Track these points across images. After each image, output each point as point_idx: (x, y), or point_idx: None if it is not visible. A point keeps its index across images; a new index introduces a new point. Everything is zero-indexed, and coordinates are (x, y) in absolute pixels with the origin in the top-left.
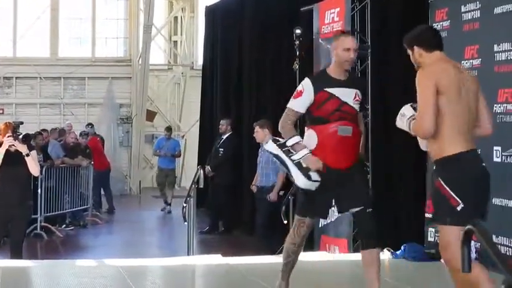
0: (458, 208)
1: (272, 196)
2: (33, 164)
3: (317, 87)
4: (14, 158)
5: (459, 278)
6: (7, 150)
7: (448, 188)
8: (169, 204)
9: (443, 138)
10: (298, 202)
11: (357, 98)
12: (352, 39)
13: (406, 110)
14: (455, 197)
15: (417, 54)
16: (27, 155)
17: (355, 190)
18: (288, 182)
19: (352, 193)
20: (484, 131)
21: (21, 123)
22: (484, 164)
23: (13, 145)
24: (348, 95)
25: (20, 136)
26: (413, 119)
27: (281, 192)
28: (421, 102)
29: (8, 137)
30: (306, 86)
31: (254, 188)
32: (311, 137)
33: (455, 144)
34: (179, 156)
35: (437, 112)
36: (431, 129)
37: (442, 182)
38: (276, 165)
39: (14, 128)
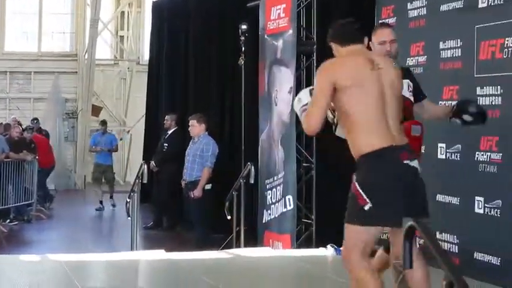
0: (366, 208)
1: (196, 192)
2: None
3: None
4: None
5: (353, 277)
6: None
7: (358, 187)
8: (111, 197)
9: (356, 136)
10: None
11: (410, 90)
12: (388, 31)
13: (304, 95)
14: (364, 196)
15: (334, 49)
16: None
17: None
18: (215, 176)
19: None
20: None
21: None
22: (405, 162)
23: None
24: (404, 88)
25: None
26: (305, 109)
27: (208, 186)
28: (312, 99)
29: None
30: None
31: (183, 183)
32: None
33: (368, 142)
34: (116, 150)
35: (326, 111)
36: (315, 129)
37: (354, 181)
38: (203, 159)
39: None
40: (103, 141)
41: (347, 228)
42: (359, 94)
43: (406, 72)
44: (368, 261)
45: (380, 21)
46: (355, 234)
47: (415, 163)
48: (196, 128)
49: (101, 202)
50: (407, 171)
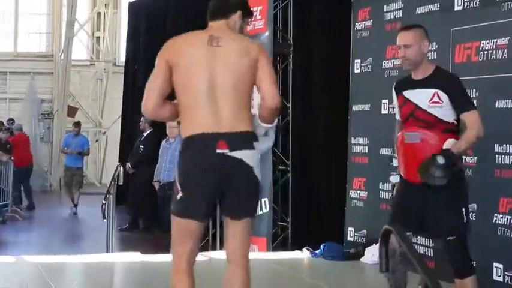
0: (178, 197)
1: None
2: None
3: (398, 90)
4: None
5: None
6: None
7: (177, 174)
8: (76, 206)
9: (181, 119)
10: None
11: (435, 100)
12: (403, 35)
13: None
14: (178, 185)
15: None
16: None
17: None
18: None
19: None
20: (264, 104)
21: None
22: (220, 151)
23: None
24: (423, 97)
25: None
26: None
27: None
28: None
29: None
30: (393, 90)
31: (157, 185)
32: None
33: (188, 126)
34: (87, 154)
35: (160, 91)
36: (150, 111)
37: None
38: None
39: None
40: (74, 143)
41: (171, 219)
42: (185, 73)
43: (444, 81)
44: (188, 262)
45: (405, 25)
46: (175, 225)
47: (238, 154)
48: (176, 129)
49: (74, 203)
50: (223, 162)
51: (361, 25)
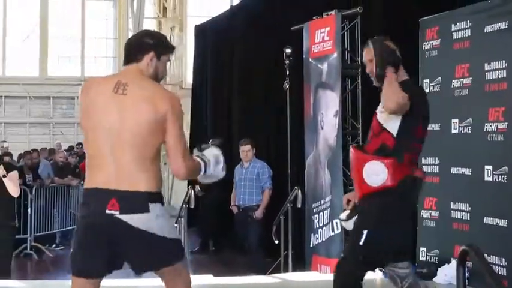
0: (70, 251)
1: (258, 213)
2: (10, 185)
3: None
4: None
5: None
6: None
7: None
8: None
9: (86, 168)
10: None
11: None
12: (365, 51)
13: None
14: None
15: None
16: (4, 176)
17: None
18: (275, 199)
19: None
20: (173, 173)
21: None
22: (109, 212)
23: None
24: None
25: None
26: None
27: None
28: None
29: None
30: None
31: (235, 209)
32: None
33: (88, 177)
34: None
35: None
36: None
37: None
38: (260, 183)
39: None
40: None
41: None
42: (89, 122)
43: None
44: None
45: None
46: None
47: (129, 218)
48: (250, 152)
49: None
50: (111, 225)
51: (429, 44)
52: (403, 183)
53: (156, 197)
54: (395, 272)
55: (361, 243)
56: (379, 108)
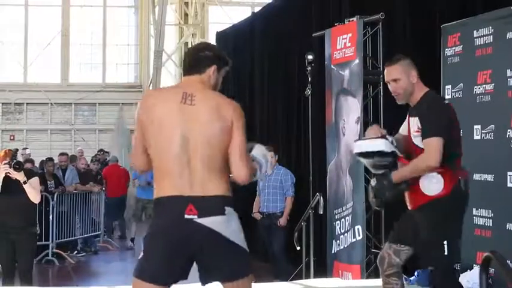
0: (139, 257)
1: (282, 221)
2: (32, 191)
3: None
4: (14, 186)
5: None
6: (8, 178)
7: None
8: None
9: (155, 179)
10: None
11: (417, 129)
12: (388, 70)
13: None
14: (142, 245)
15: None
16: (25, 182)
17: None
18: (297, 206)
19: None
20: (235, 177)
21: (17, 150)
22: (188, 217)
23: (9, 173)
24: (412, 125)
25: (12, 163)
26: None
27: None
28: None
29: (4, 164)
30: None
31: (258, 216)
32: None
33: (159, 186)
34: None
35: (142, 145)
36: (139, 167)
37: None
38: (283, 190)
39: (12, 156)
40: (144, 174)
41: None
42: (157, 132)
43: (421, 107)
44: None
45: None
46: (132, 285)
47: (207, 221)
48: (274, 159)
49: (132, 240)
50: (190, 229)
51: (451, 51)
52: (456, 188)
53: (230, 200)
54: (393, 253)
55: (445, 253)
56: (414, 129)
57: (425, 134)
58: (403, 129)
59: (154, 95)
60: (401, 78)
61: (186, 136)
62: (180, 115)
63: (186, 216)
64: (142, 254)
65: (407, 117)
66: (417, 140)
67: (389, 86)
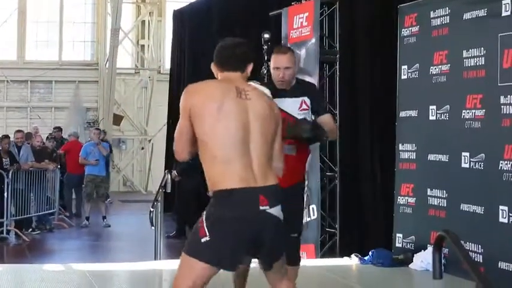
0: (203, 240)
1: None
2: None
3: None
4: None
5: None
6: None
7: (204, 218)
8: (104, 217)
9: (212, 170)
10: None
11: (304, 107)
12: (283, 58)
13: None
14: (205, 229)
15: (214, 72)
16: None
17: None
18: None
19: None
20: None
21: None
22: (263, 208)
23: None
24: (293, 106)
25: None
26: None
27: None
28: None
29: None
30: None
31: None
32: None
33: (223, 178)
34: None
35: (192, 138)
36: (184, 156)
37: (203, 213)
38: None
39: None
40: (97, 151)
41: (182, 257)
42: (219, 123)
43: (307, 89)
44: None
45: (278, 46)
46: (187, 265)
47: (275, 211)
48: None
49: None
50: (263, 220)
51: (408, 31)
52: None
53: (280, 188)
54: None
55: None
56: (302, 107)
57: (323, 110)
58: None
59: (203, 89)
60: (291, 66)
61: (247, 128)
62: (240, 108)
63: (261, 207)
64: (207, 238)
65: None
66: (302, 116)
67: (275, 72)
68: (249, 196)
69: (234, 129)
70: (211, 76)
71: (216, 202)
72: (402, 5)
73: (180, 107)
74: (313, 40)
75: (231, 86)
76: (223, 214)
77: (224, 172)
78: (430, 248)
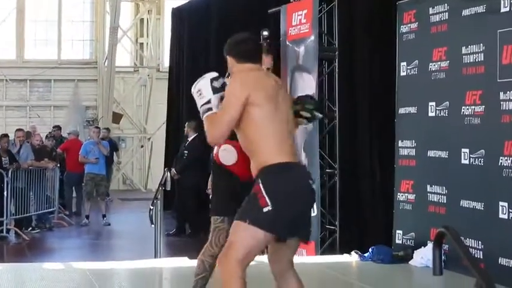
0: (265, 210)
1: None
2: None
3: None
4: None
5: (223, 278)
6: None
7: (262, 188)
8: (104, 216)
9: (265, 150)
10: (216, 199)
11: None
12: (268, 59)
13: (204, 88)
14: (267, 199)
15: (230, 63)
16: None
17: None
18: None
19: None
20: None
21: None
22: (310, 182)
23: None
24: None
25: None
26: (209, 109)
27: None
28: (223, 109)
29: None
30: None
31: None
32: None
33: (278, 156)
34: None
35: (235, 123)
36: (219, 140)
37: (260, 183)
38: None
39: None
40: (97, 149)
41: (237, 225)
42: (268, 107)
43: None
44: (243, 270)
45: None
46: (244, 233)
47: (314, 186)
48: None
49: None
50: (310, 192)
51: (407, 28)
52: None
53: None
54: None
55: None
56: None
57: None
58: None
59: (255, 77)
60: (270, 68)
61: (287, 112)
62: (278, 95)
63: (310, 181)
64: (269, 207)
65: None
66: None
67: None
68: (303, 170)
69: (286, 113)
70: None
71: (274, 174)
72: (401, 1)
73: (233, 96)
74: (312, 37)
75: (271, 78)
76: (285, 185)
77: (280, 149)
78: (430, 245)
